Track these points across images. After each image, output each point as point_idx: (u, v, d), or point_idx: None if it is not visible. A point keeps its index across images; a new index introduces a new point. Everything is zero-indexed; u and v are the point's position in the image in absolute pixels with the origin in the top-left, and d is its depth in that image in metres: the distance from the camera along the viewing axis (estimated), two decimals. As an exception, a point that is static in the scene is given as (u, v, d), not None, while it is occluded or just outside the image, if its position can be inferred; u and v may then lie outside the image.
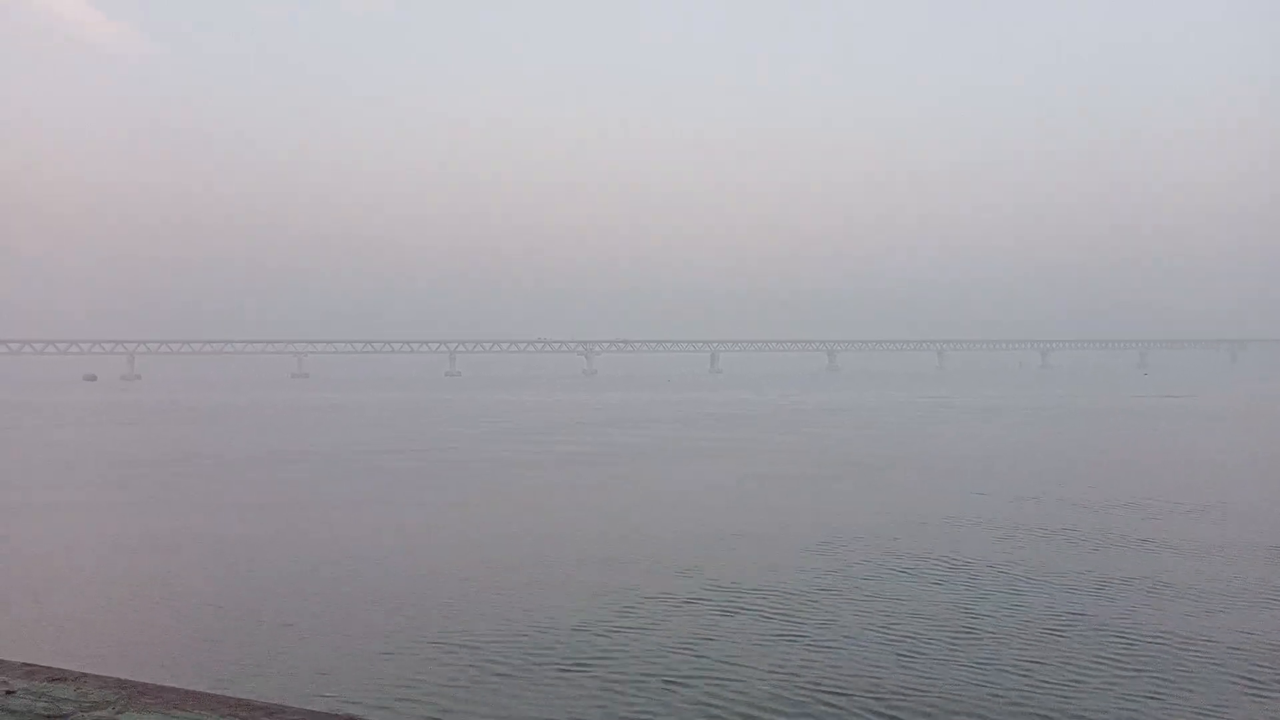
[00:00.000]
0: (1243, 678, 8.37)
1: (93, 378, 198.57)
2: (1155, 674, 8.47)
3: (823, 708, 7.79)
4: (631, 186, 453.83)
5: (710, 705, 7.88)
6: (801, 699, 7.98)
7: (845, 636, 9.76)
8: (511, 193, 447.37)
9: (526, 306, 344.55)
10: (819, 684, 8.30)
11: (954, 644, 9.42)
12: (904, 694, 8.03)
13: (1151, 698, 7.89)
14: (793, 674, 8.60)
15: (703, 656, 9.13)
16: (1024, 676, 8.42)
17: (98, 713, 6.30)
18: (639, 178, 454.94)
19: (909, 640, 9.56)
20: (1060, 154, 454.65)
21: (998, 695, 7.97)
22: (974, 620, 10.28)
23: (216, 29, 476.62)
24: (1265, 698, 7.92)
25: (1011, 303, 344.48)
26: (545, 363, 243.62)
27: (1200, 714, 7.57)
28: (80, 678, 7.53)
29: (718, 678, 8.52)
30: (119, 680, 7.64)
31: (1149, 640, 9.47)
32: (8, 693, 6.35)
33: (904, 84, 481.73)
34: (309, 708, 7.47)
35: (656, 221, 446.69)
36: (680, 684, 8.38)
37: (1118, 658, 8.94)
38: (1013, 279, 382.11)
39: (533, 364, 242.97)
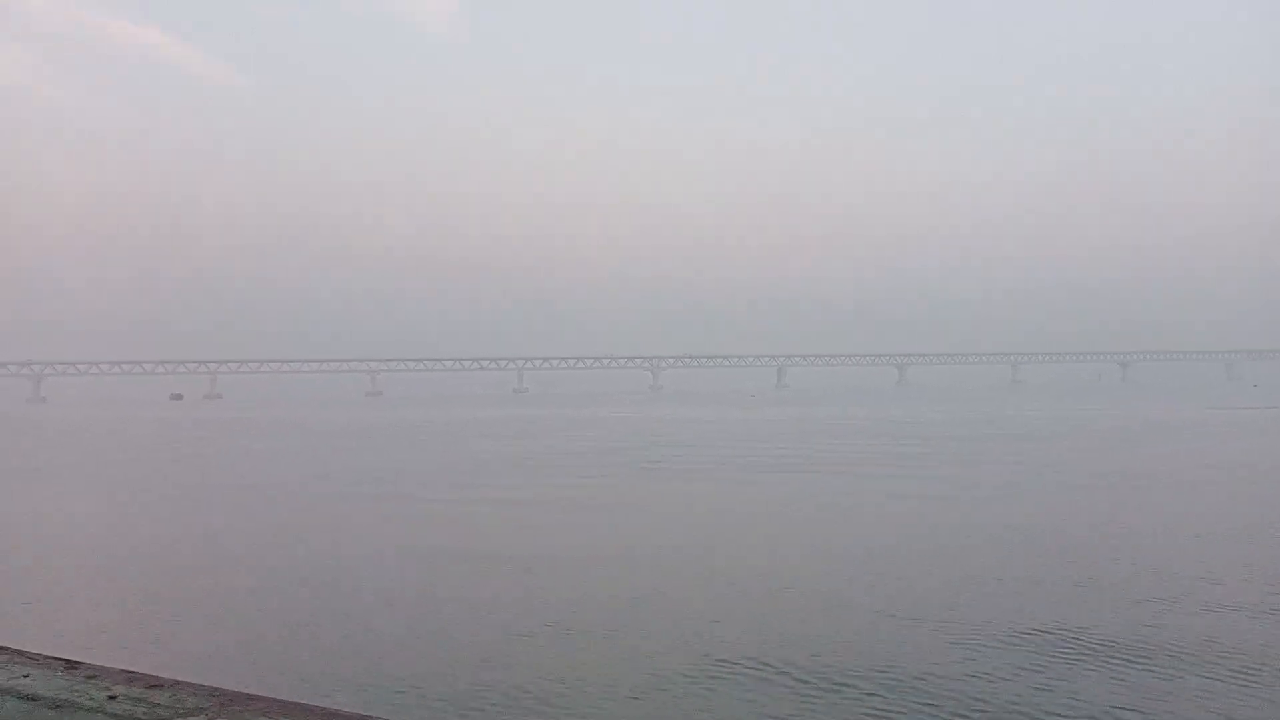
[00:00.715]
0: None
1: (179, 397, 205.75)
2: None
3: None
4: (675, 199, 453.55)
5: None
6: None
7: None
8: (569, 210, 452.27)
9: (591, 323, 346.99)
10: None
11: None
12: None
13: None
14: None
15: None
16: None
17: (193, 718, 6.47)
18: (682, 189, 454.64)
19: None
20: (1078, 163, 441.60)
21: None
22: None
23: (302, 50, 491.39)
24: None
25: (1085, 313, 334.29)
26: (611, 379, 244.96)
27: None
28: (175, 685, 7.76)
29: None
30: (211, 688, 7.85)
31: None
32: (110, 698, 6.59)
33: (906, 85, 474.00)
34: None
35: (709, 234, 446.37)
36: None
37: None
38: (1088, 289, 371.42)
39: (599, 380, 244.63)
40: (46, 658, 7.94)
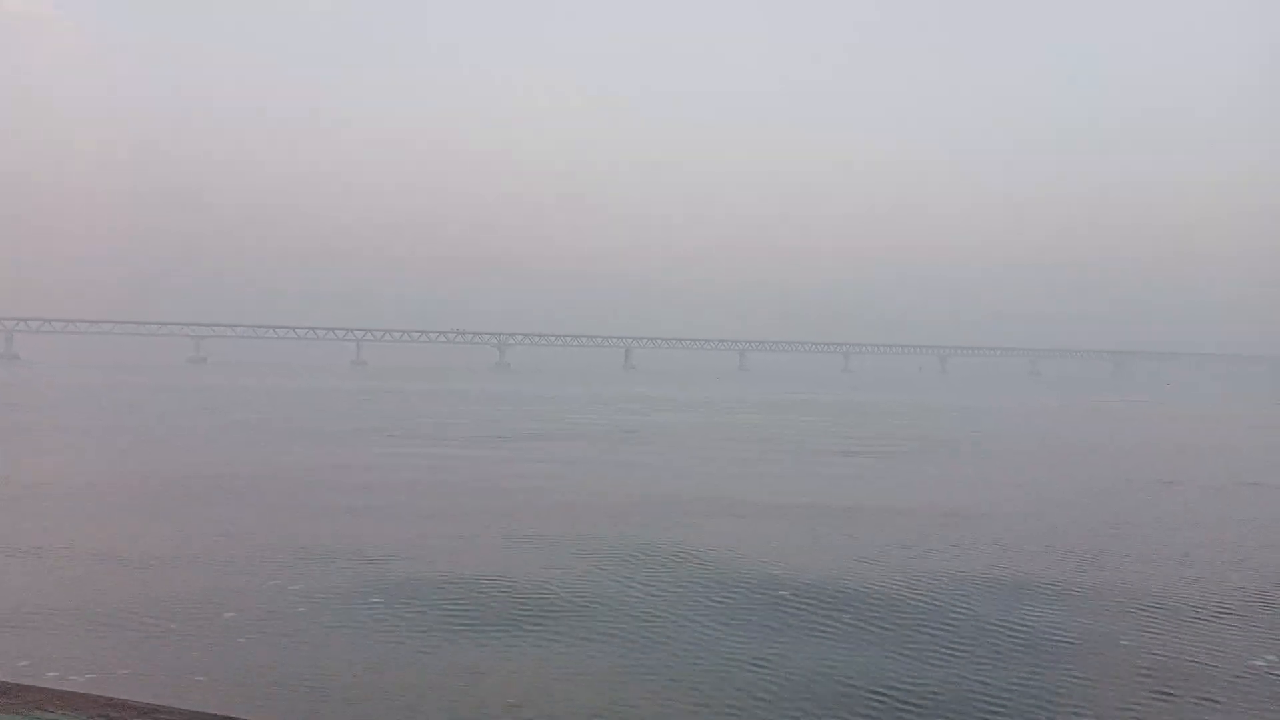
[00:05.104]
0: None
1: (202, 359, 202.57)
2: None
3: None
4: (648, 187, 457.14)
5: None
6: None
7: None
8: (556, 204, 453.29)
9: (567, 303, 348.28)
10: None
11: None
12: None
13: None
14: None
15: None
16: None
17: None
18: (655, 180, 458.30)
19: None
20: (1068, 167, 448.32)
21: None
22: None
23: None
24: None
25: (1004, 308, 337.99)
26: (586, 357, 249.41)
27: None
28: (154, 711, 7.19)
29: None
30: (192, 712, 7.32)
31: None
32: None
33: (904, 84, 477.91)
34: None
35: (684, 220, 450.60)
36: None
37: None
38: (1007, 281, 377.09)
39: (574, 358, 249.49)
40: None
